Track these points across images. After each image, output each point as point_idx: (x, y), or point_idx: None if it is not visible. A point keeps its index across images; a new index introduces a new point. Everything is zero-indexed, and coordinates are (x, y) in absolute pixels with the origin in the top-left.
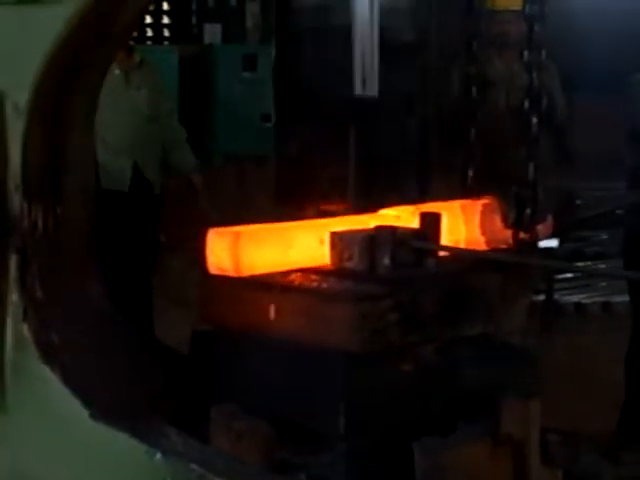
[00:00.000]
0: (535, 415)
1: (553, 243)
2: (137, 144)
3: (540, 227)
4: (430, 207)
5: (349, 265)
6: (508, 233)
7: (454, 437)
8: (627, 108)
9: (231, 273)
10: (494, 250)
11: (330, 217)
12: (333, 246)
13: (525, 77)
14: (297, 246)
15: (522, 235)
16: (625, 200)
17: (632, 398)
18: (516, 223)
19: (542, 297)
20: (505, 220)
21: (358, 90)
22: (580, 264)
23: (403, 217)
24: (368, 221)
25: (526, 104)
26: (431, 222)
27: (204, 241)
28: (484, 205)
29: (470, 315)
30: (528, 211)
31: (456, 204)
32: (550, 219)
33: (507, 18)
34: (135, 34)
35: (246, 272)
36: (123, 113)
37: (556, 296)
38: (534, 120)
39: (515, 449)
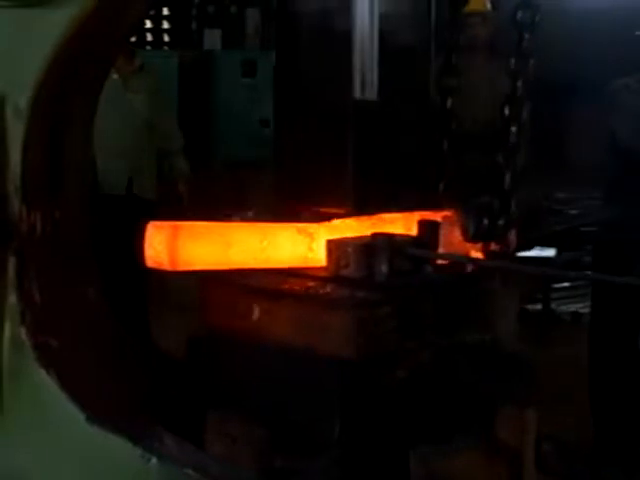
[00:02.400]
0: (531, 424)
1: (550, 252)
2: (133, 148)
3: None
4: (386, 218)
5: (345, 272)
6: (467, 246)
7: (450, 445)
8: (608, 117)
9: (167, 267)
10: (492, 258)
11: (278, 222)
12: (329, 253)
13: (504, 82)
14: (237, 246)
15: (480, 249)
16: (596, 215)
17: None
18: (474, 237)
19: (539, 306)
20: (464, 233)
21: (357, 94)
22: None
23: (354, 227)
24: (317, 229)
25: (506, 112)
26: (429, 230)
27: (143, 235)
28: (444, 217)
29: (467, 322)
30: (486, 224)
31: (414, 215)
32: (513, 233)
33: (475, 21)
34: (135, 39)
35: (182, 267)
36: (120, 117)
37: (553, 305)
38: (513, 129)
39: (511, 457)
